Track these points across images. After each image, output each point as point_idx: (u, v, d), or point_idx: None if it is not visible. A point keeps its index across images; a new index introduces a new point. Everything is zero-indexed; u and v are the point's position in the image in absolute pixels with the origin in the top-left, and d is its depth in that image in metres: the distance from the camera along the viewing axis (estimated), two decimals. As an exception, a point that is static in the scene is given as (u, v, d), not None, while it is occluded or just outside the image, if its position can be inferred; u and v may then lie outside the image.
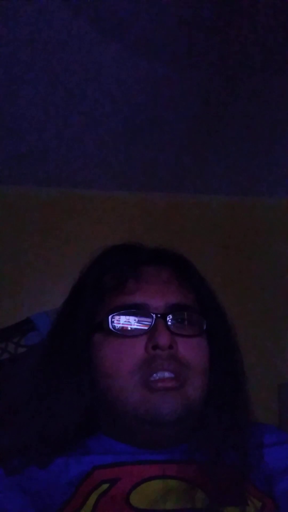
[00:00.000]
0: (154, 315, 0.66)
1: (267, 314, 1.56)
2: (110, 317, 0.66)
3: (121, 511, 0.57)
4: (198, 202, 1.62)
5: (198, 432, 0.66)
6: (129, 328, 0.66)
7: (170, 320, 0.66)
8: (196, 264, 0.76)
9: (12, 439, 0.66)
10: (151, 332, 0.65)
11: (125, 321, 0.66)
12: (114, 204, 1.58)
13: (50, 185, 1.55)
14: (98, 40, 1.02)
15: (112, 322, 0.66)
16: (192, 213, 1.61)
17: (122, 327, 0.66)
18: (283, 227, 1.64)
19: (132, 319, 0.66)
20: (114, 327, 0.66)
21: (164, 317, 0.66)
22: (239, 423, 0.67)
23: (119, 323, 0.66)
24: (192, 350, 0.66)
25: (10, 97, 1.19)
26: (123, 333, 0.66)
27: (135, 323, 0.66)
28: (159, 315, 0.66)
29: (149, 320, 0.66)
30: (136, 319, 0.66)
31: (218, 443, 0.65)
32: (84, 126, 1.29)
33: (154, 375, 0.63)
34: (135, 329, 0.66)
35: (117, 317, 0.66)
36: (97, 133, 1.32)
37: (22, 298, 1.46)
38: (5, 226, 1.52)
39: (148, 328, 0.65)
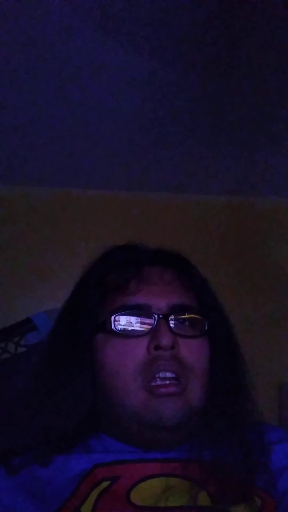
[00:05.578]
0: (156, 316, 0.66)
1: (267, 314, 1.56)
2: (112, 317, 0.66)
3: (121, 508, 0.58)
4: (198, 202, 1.62)
5: (201, 431, 0.66)
6: (131, 329, 0.66)
7: (172, 321, 0.66)
8: (196, 264, 0.76)
9: (13, 439, 0.66)
10: (153, 332, 0.65)
11: (127, 322, 0.66)
12: (114, 204, 1.58)
13: (50, 185, 1.55)
14: (99, 39, 1.01)
15: (115, 322, 0.66)
16: (192, 213, 1.61)
17: (124, 327, 0.66)
18: (283, 227, 1.65)
19: (134, 319, 0.66)
20: (116, 327, 0.66)
21: (166, 317, 0.66)
22: (241, 422, 0.67)
23: (121, 324, 0.66)
24: (193, 350, 0.67)
25: (10, 97, 1.18)
26: (125, 333, 0.66)
27: (137, 324, 0.66)
28: (161, 316, 0.66)
29: (151, 320, 0.66)
30: (138, 319, 0.66)
31: (221, 442, 0.65)
32: (84, 126, 1.29)
33: (157, 375, 0.63)
34: (137, 329, 0.66)
35: (119, 318, 0.66)
36: (97, 134, 1.32)
37: (22, 298, 1.46)
38: (5, 226, 1.52)
39: (150, 329, 0.65)
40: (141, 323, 0.66)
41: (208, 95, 1.18)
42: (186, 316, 0.68)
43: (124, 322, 0.66)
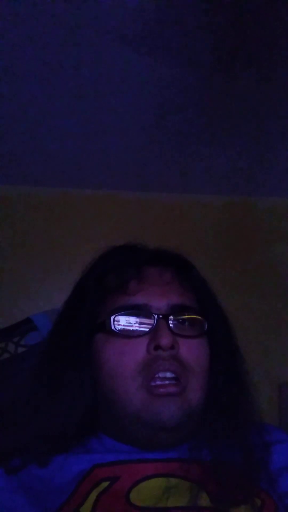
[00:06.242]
0: (156, 316, 0.66)
1: (267, 314, 1.56)
2: (112, 317, 0.66)
3: (121, 509, 0.57)
4: (198, 202, 1.62)
5: (201, 431, 0.66)
6: (131, 329, 0.66)
7: (171, 321, 0.66)
8: (196, 264, 0.76)
9: (13, 438, 0.66)
10: (153, 332, 0.65)
11: (127, 322, 0.66)
12: (114, 204, 1.58)
13: (50, 185, 1.55)
14: (97, 38, 1.01)
15: (114, 322, 0.66)
16: (192, 213, 1.61)
17: (124, 327, 0.66)
18: (283, 227, 1.65)
19: (134, 319, 0.66)
20: (116, 327, 0.66)
21: (165, 317, 0.66)
22: (241, 422, 0.67)
23: (120, 324, 0.66)
24: (193, 350, 0.66)
25: (10, 97, 1.18)
26: (125, 333, 0.66)
27: (137, 324, 0.66)
28: (160, 316, 0.66)
29: (151, 320, 0.66)
30: (138, 319, 0.66)
31: (221, 442, 0.65)
32: (84, 126, 1.29)
33: (156, 375, 0.63)
34: (137, 329, 0.66)
35: (119, 318, 0.66)
36: (97, 133, 1.32)
37: (22, 298, 1.46)
38: (5, 226, 1.52)
39: (150, 329, 0.65)
40: (141, 323, 0.66)
41: (208, 94, 1.18)
42: (186, 316, 0.68)
43: (124, 322, 0.66)
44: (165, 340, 0.64)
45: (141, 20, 0.97)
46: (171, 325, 0.65)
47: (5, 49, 1.04)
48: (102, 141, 1.36)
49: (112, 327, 0.66)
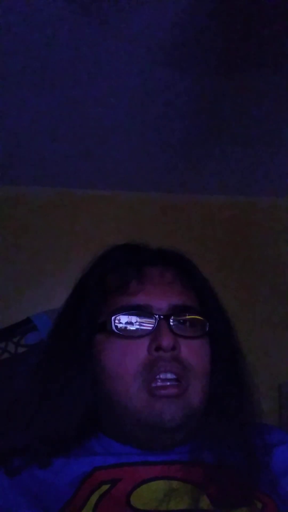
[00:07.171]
0: (157, 316, 0.65)
1: (267, 314, 1.56)
2: (113, 318, 0.65)
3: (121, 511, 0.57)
4: (198, 202, 1.62)
5: (201, 433, 0.66)
6: (131, 329, 0.66)
7: (173, 322, 0.65)
8: (196, 264, 0.76)
9: (13, 439, 0.66)
10: (154, 333, 0.65)
11: (128, 322, 0.66)
12: (114, 204, 1.58)
13: (50, 185, 1.55)
14: (96, 38, 1.01)
15: (115, 323, 0.65)
16: (192, 213, 1.61)
17: (125, 328, 0.65)
18: (283, 227, 1.65)
19: (135, 320, 0.66)
20: (116, 327, 0.65)
21: (167, 318, 0.65)
22: (242, 424, 0.67)
23: (121, 324, 0.65)
24: (194, 351, 0.66)
25: (9, 97, 1.18)
26: (126, 334, 0.65)
27: (138, 324, 0.66)
28: (162, 316, 0.65)
29: (152, 321, 0.65)
30: (139, 320, 0.66)
31: (222, 444, 0.64)
32: (83, 126, 1.29)
33: (157, 377, 0.63)
34: (138, 330, 0.65)
35: (120, 318, 0.66)
36: (97, 133, 1.32)
37: (22, 298, 1.46)
38: (5, 226, 1.52)
39: (151, 330, 0.65)
40: (142, 323, 0.66)
41: (208, 94, 1.18)
42: (187, 316, 0.67)
43: (125, 322, 0.66)
44: (166, 341, 0.63)
45: (141, 24, 0.97)
46: (172, 326, 0.65)
47: (2, 53, 1.04)
48: (102, 141, 1.36)
49: (113, 328, 0.65)
